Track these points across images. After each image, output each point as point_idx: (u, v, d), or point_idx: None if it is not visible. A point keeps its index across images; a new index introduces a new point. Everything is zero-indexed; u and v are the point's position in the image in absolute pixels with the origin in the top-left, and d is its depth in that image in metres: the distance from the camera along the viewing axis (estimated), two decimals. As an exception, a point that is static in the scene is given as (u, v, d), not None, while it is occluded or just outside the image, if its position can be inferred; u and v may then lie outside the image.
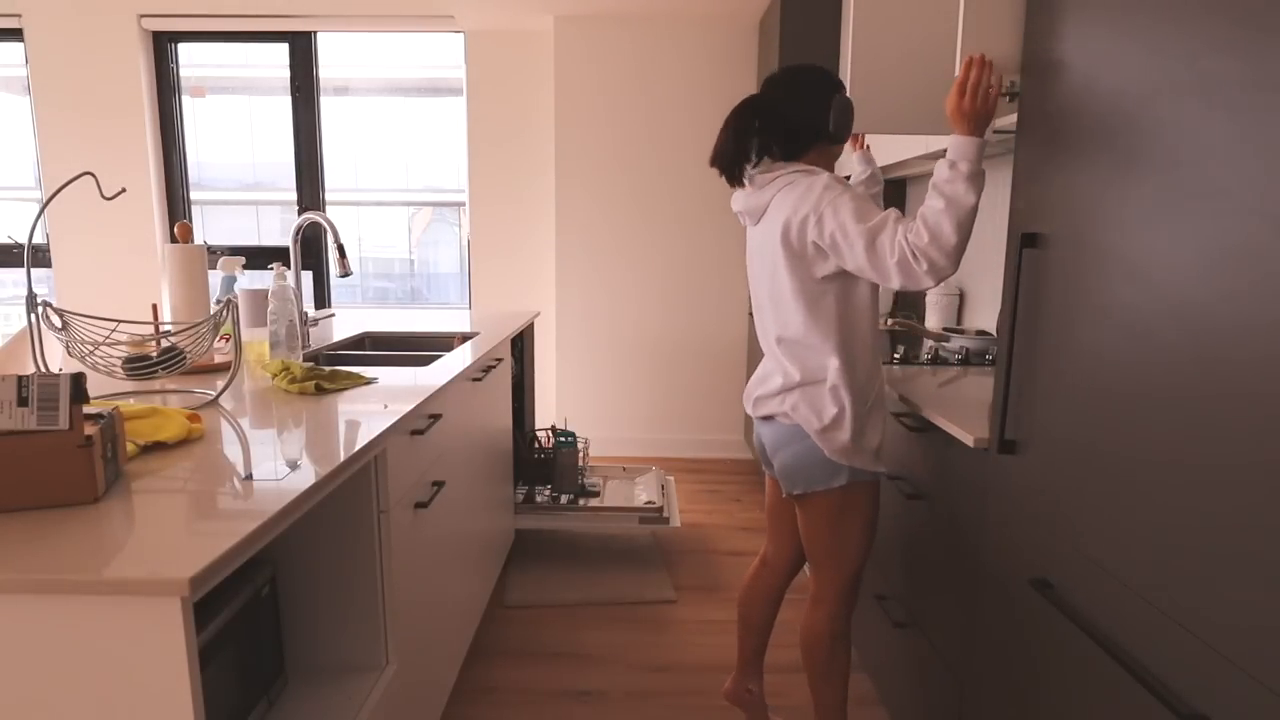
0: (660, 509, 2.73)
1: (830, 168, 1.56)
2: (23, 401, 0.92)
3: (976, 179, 1.30)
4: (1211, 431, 0.81)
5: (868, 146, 1.95)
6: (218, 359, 1.83)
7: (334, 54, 4.30)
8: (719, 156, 1.54)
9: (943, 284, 2.76)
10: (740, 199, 1.60)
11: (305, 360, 2.05)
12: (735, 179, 1.57)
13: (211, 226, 4.84)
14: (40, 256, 4.20)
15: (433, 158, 4.84)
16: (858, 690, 2.05)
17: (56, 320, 1.39)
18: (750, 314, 3.79)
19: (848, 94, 1.59)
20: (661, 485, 3.02)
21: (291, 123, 4.18)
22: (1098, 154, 1.02)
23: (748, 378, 4.00)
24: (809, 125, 1.52)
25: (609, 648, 2.25)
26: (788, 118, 1.53)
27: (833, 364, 1.47)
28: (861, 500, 1.55)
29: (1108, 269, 0.99)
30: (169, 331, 1.55)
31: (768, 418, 1.58)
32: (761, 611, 1.83)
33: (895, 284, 1.37)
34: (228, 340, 1.84)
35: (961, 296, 2.73)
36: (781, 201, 1.49)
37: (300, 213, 4.23)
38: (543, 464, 2.97)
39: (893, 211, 1.39)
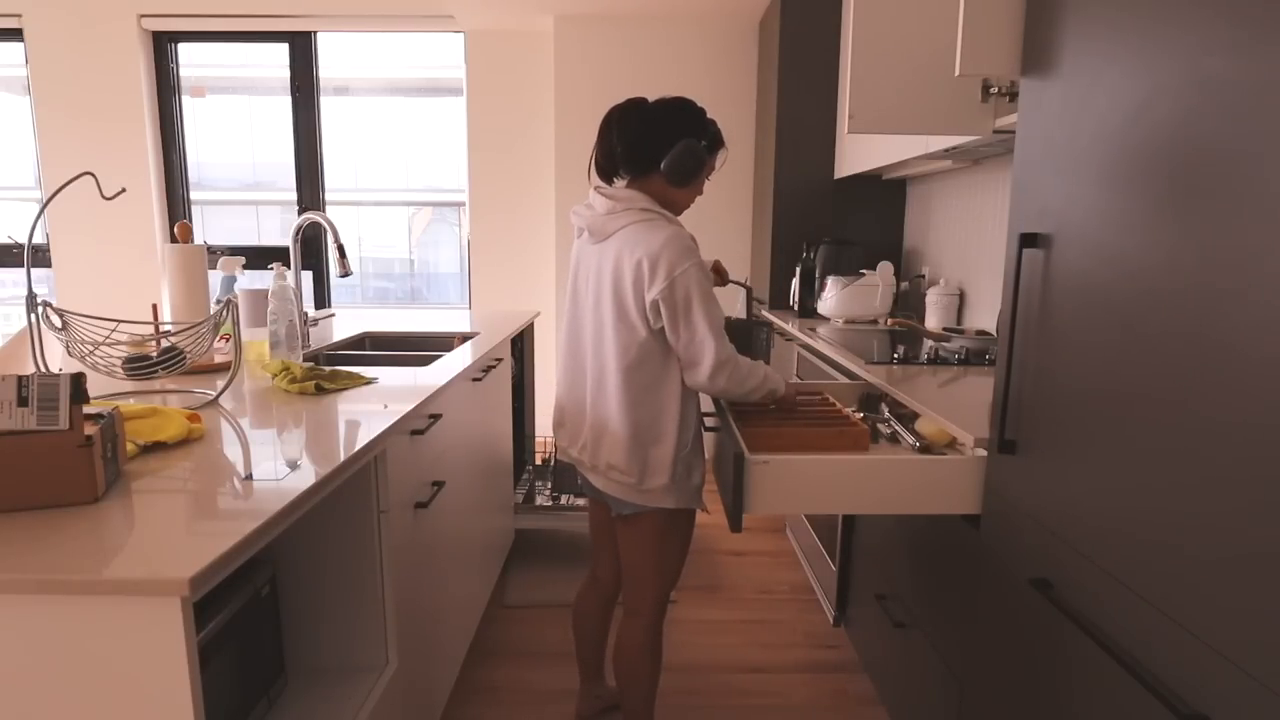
0: (660, 509, 2.73)
1: (677, 212, 1.57)
2: (23, 401, 0.92)
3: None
4: (1211, 431, 0.81)
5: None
6: (218, 359, 1.83)
7: (334, 54, 4.30)
8: (611, 153, 1.55)
9: (943, 284, 2.77)
10: (584, 214, 1.56)
11: (305, 360, 2.05)
12: (591, 181, 1.60)
13: (211, 226, 4.84)
14: (40, 256, 4.20)
15: (433, 158, 4.84)
16: (858, 690, 2.05)
17: (56, 320, 1.39)
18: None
19: (846, 98, 1.59)
20: (661, 485, 3.01)
21: (291, 123, 4.18)
22: (1098, 154, 1.02)
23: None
24: (647, 154, 1.52)
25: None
26: (636, 134, 1.53)
27: (643, 422, 1.51)
28: (684, 521, 1.63)
29: (1108, 269, 0.99)
30: (169, 331, 1.55)
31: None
32: (596, 625, 1.88)
33: (691, 378, 1.49)
34: (228, 340, 1.84)
35: (961, 296, 2.73)
36: (631, 238, 1.47)
37: (300, 213, 4.23)
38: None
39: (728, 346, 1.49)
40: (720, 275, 1.80)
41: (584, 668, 1.92)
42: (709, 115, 1.58)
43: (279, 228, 4.85)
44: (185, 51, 4.21)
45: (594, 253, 1.55)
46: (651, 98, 1.61)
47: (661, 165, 1.51)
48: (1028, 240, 1.19)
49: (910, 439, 1.55)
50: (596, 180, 1.60)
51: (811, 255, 3.19)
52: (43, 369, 1.41)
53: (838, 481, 1.38)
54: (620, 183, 1.58)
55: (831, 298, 2.94)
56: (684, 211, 1.59)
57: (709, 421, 1.72)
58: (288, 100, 4.16)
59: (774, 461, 1.37)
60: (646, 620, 1.65)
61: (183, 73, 4.21)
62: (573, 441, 1.62)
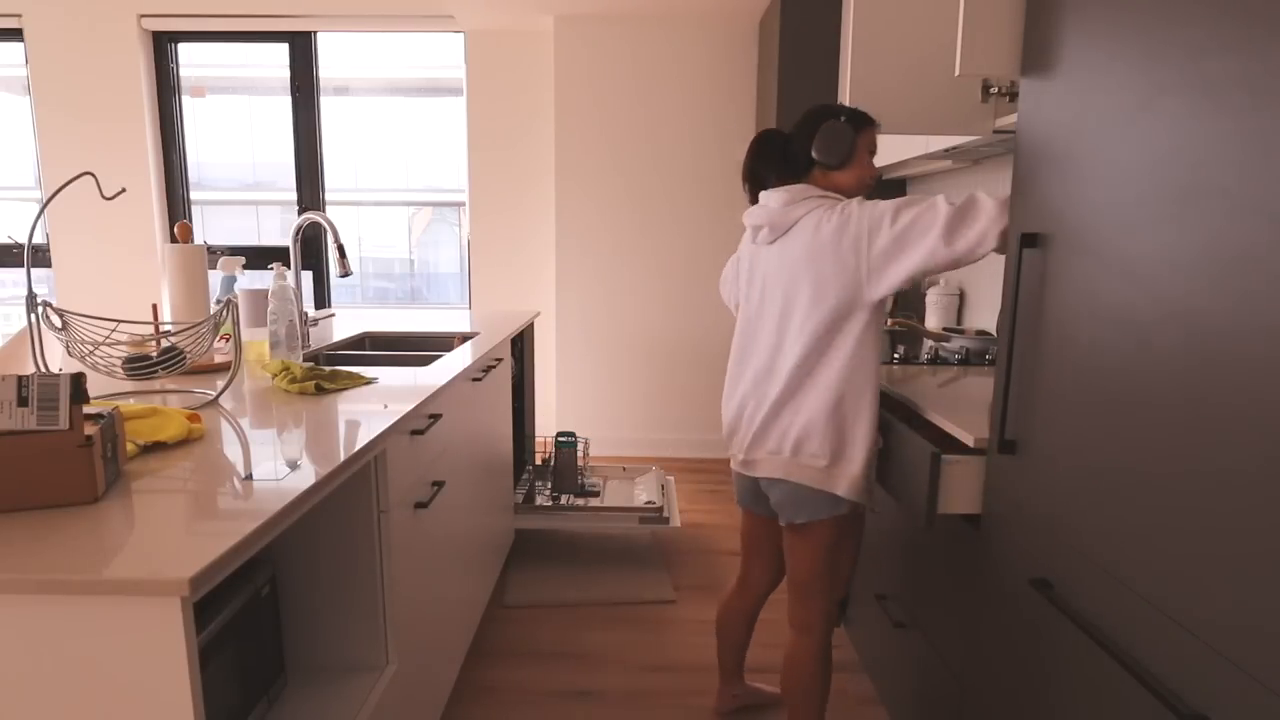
0: (660, 509, 2.73)
1: (850, 196, 1.57)
2: (23, 401, 0.92)
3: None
4: (1211, 431, 0.81)
5: None
6: (218, 359, 1.83)
7: (334, 54, 4.30)
8: (772, 159, 1.61)
9: (943, 284, 2.77)
10: (760, 214, 1.57)
11: (305, 360, 2.06)
12: (752, 196, 1.64)
13: (211, 226, 4.84)
14: (40, 256, 4.20)
15: (433, 158, 4.84)
16: (858, 690, 2.05)
17: (56, 320, 1.39)
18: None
19: (846, 98, 1.61)
20: (661, 485, 3.02)
21: (291, 123, 4.18)
22: (1098, 154, 1.02)
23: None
24: (799, 148, 1.57)
25: (609, 648, 2.25)
26: (785, 139, 1.60)
27: (847, 397, 1.48)
28: (856, 527, 1.61)
29: (1108, 269, 0.99)
30: (169, 331, 1.55)
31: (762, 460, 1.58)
32: (742, 630, 1.89)
33: (947, 250, 1.38)
34: (228, 340, 1.84)
35: (961, 296, 2.73)
36: (816, 217, 1.49)
37: (300, 213, 4.23)
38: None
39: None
40: None
41: (724, 669, 1.93)
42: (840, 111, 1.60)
43: (279, 228, 4.85)
44: (185, 51, 4.21)
45: (774, 251, 1.55)
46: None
47: (813, 153, 1.54)
48: (1028, 240, 1.19)
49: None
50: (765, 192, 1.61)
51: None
52: (43, 369, 1.41)
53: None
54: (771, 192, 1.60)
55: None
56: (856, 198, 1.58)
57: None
58: (288, 100, 4.16)
59: (964, 462, 1.38)
60: (819, 637, 1.62)
61: (183, 73, 4.21)
62: (752, 445, 1.57)
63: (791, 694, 1.65)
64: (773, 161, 1.60)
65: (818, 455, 1.49)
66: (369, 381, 1.70)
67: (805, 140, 1.56)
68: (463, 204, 4.51)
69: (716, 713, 1.96)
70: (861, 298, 1.45)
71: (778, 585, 1.84)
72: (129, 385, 1.62)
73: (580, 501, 2.85)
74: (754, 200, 1.64)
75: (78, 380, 0.95)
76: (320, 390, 1.59)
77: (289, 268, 1.96)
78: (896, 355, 2.11)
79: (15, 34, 4.01)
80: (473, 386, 2.07)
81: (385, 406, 1.45)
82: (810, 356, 1.49)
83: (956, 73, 1.30)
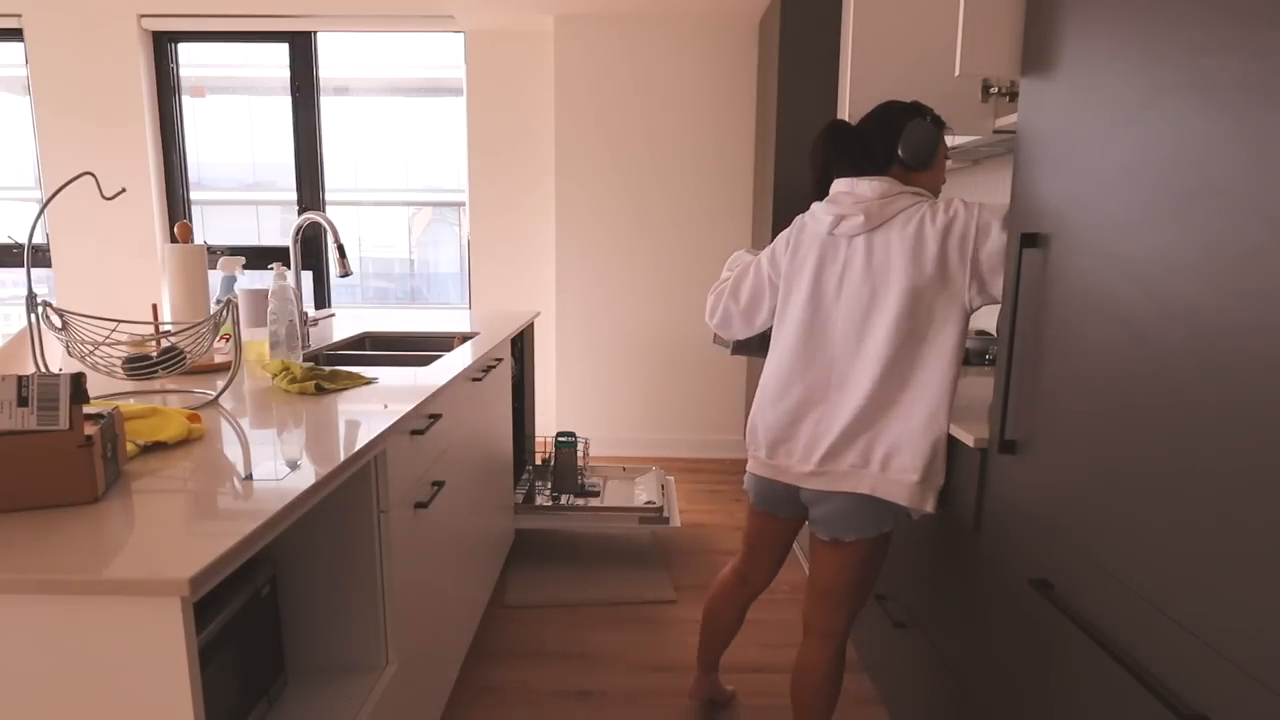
0: (660, 509, 2.73)
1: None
2: (23, 401, 0.92)
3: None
4: (1211, 431, 0.81)
5: None
6: (218, 359, 1.83)
7: (334, 54, 4.30)
8: (864, 146, 1.51)
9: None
10: (847, 202, 1.46)
11: (305, 360, 2.06)
12: (821, 188, 1.56)
13: (211, 226, 4.84)
14: (40, 256, 4.20)
15: (433, 158, 4.84)
16: (858, 690, 2.05)
17: (56, 320, 1.39)
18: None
19: (846, 98, 1.60)
20: (661, 485, 3.02)
21: (291, 123, 4.18)
22: (1098, 154, 1.02)
23: (748, 378, 4.00)
24: (880, 145, 1.48)
25: (609, 648, 2.25)
26: (863, 137, 1.51)
27: (941, 409, 1.38)
28: (890, 543, 1.56)
29: (1107, 269, 0.99)
30: (169, 331, 1.55)
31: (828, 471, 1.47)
32: (732, 624, 1.86)
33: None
34: (228, 340, 1.84)
35: (961, 296, 2.73)
36: (915, 214, 1.41)
37: (300, 213, 4.23)
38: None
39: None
40: None
41: (704, 661, 1.91)
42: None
43: (279, 228, 4.85)
44: (185, 51, 4.21)
45: (861, 244, 1.45)
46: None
47: (899, 151, 1.46)
48: (1028, 240, 1.19)
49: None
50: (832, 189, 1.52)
51: (811, 255, 3.19)
52: (43, 369, 1.41)
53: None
54: (859, 178, 1.50)
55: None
56: None
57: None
58: (288, 100, 4.16)
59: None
60: (840, 645, 1.56)
61: (183, 73, 4.21)
62: (828, 456, 1.45)
63: (802, 697, 1.58)
64: (851, 153, 1.50)
65: (909, 470, 1.39)
66: (369, 381, 1.70)
67: (886, 136, 1.47)
68: (463, 204, 4.51)
69: (690, 697, 1.96)
70: (960, 302, 1.37)
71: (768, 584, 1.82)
72: (129, 385, 1.62)
73: (580, 501, 2.85)
74: (821, 192, 1.55)
75: (78, 380, 0.95)
76: (320, 390, 1.59)
77: (289, 268, 1.96)
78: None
79: (15, 34, 4.01)
80: (473, 386, 2.07)
81: (385, 406, 1.45)
82: (901, 363, 1.39)
83: (956, 73, 1.30)
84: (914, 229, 1.39)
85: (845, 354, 1.45)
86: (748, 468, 1.62)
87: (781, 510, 1.64)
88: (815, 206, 1.54)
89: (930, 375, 1.39)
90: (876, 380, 1.41)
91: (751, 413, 1.60)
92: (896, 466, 1.40)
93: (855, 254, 1.46)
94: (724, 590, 1.84)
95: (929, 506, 1.41)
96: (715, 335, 1.81)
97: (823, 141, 1.54)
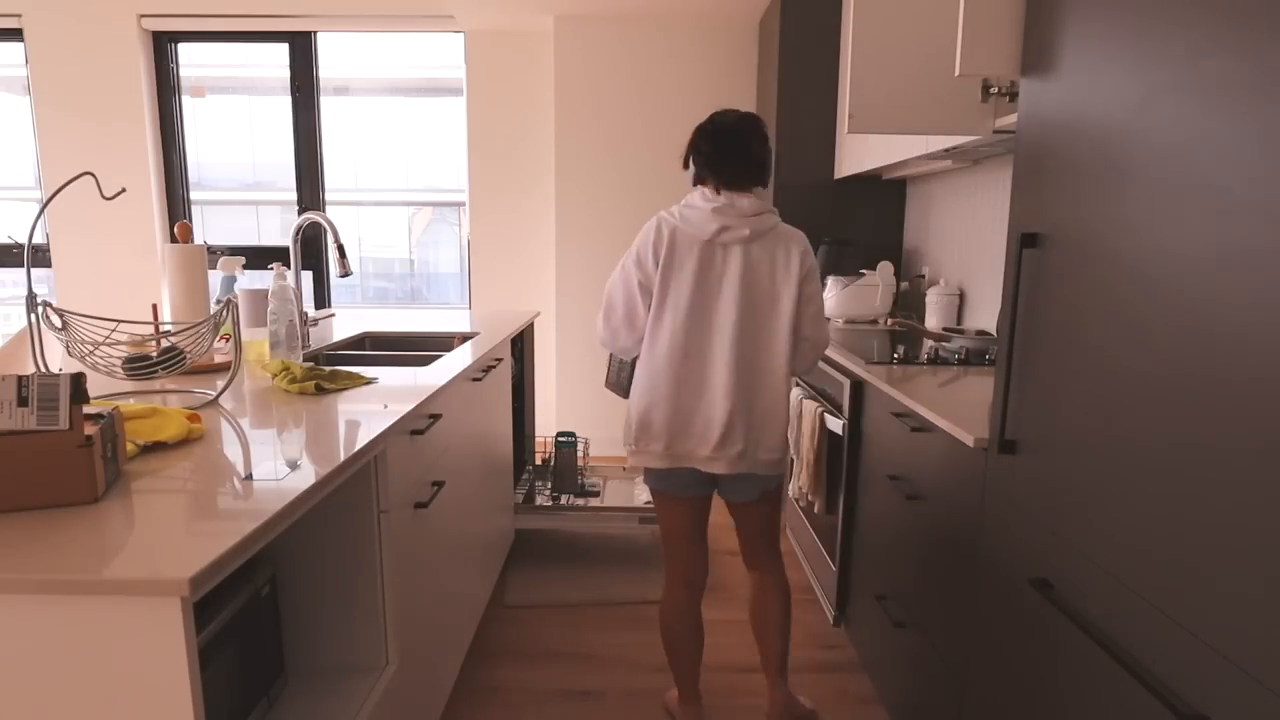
0: (660, 509, 2.73)
1: None
2: (23, 401, 0.92)
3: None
4: (1211, 431, 0.81)
5: None
6: (218, 359, 1.83)
7: (334, 54, 4.30)
8: (753, 165, 1.65)
9: (943, 284, 2.76)
10: (730, 215, 1.61)
11: (305, 360, 2.06)
12: (698, 178, 1.68)
13: (211, 226, 4.84)
14: (40, 256, 4.20)
15: (433, 158, 4.84)
16: (858, 690, 2.05)
17: (56, 320, 1.39)
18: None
19: (846, 98, 1.68)
20: (661, 485, 3.01)
21: (291, 123, 4.18)
22: (1098, 154, 1.02)
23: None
24: (760, 165, 1.66)
25: (609, 648, 2.25)
26: (765, 150, 1.68)
27: (785, 394, 1.69)
28: (784, 473, 1.83)
29: (1108, 269, 0.99)
30: (169, 331, 1.55)
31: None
32: (697, 634, 1.83)
33: (807, 356, 1.70)
34: (228, 340, 1.84)
35: (961, 296, 2.73)
36: (783, 235, 1.65)
37: (300, 213, 4.23)
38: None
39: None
40: None
41: (684, 685, 1.85)
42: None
43: (279, 228, 4.85)
44: (185, 51, 4.21)
45: (736, 251, 1.62)
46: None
47: (767, 166, 1.68)
48: (1028, 240, 1.19)
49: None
50: (707, 188, 1.65)
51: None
52: (43, 369, 1.41)
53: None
54: (737, 193, 1.65)
55: (831, 297, 2.94)
56: None
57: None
58: (288, 100, 4.16)
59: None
60: (779, 564, 1.85)
61: (183, 73, 4.21)
62: (703, 441, 1.64)
63: (768, 618, 1.83)
64: (742, 163, 1.64)
65: (779, 449, 1.69)
66: (369, 381, 1.70)
67: (764, 157, 1.66)
68: (463, 204, 4.51)
69: None
70: (790, 318, 1.64)
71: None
72: (129, 385, 1.62)
73: (580, 501, 2.85)
74: (696, 178, 1.68)
75: (78, 380, 0.95)
76: (320, 390, 1.59)
77: (289, 268, 1.96)
78: (896, 355, 2.11)
79: (15, 34, 4.01)
80: (473, 386, 2.07)
81: (385, 406, 1.46)
82: (775, 362, 1.65)
83: (956, 73, 1.30)
84: (784, 254, 1.64)
85: (751, 352, 1.64)
86: (644, 464, 1.70)
87: (701, 489, 1.75)
88: (685, 212, 1.64)
89: (783, 370, 1.65)
90: (784, 375, 1.66)
91: (640, 408, 1.67)
92: (765, 447, 1.66)
93: (732, 260, 1.63)
94: (675, 607, 1.81)
95: (777, 470, 1.72)
96: (607, 377, 1.96)
97: (715, 139, 1.65)
